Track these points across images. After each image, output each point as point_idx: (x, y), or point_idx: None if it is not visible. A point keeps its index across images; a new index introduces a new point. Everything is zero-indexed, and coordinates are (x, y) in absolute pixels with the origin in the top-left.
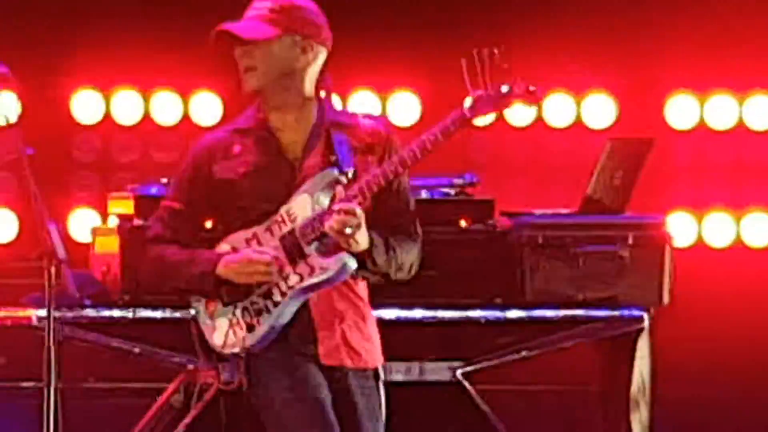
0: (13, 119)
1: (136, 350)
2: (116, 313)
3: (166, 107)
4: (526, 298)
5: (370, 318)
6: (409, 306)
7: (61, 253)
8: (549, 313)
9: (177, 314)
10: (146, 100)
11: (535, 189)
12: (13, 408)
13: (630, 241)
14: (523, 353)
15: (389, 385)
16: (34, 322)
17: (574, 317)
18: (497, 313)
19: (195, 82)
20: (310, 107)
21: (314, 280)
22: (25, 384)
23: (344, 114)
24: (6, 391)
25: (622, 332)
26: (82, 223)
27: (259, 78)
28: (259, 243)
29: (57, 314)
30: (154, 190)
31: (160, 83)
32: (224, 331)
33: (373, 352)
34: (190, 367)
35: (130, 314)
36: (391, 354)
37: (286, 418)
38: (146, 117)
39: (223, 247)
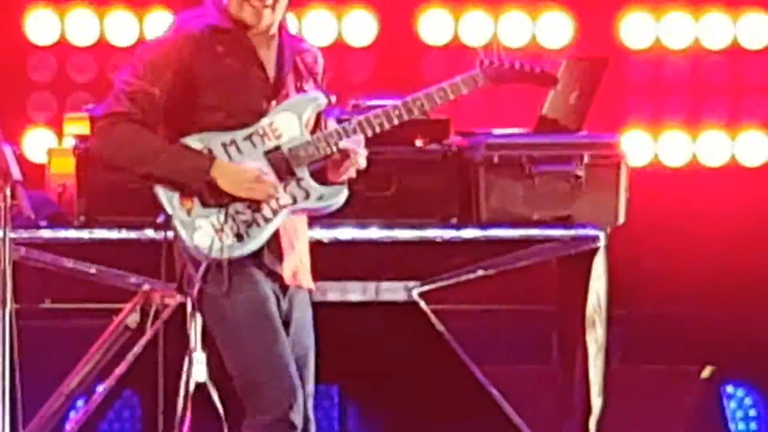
0: None
1: (92, 271)
2: (72, 233)
3: (122, 27)
4: (481, 218)
5: None
6: (365, 225)
7: (16, 173)
8: (504, 232)
9: (133, 235)
10: (101, 19)
11: (491, 108)
12: None
13: (586, 161)
14: (479, 273)
15: (346, 305)
16: None
17: (529, 237)
18: (453, 233)
19: (150, 0)
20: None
21: (309, 205)
22: None
23: (296, 36)
24: None
25: (578, 251)
26: (37, 143)
27: (275, 15)
28: (239, 150)
29: (12, 235)
30: None
31: (116, 1)
32: (208, 234)
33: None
34: (146, 287)
35: (86, 235)
36: (347, 273)
37: (248, 331)
38: (102, 38)
39: (195, 143)
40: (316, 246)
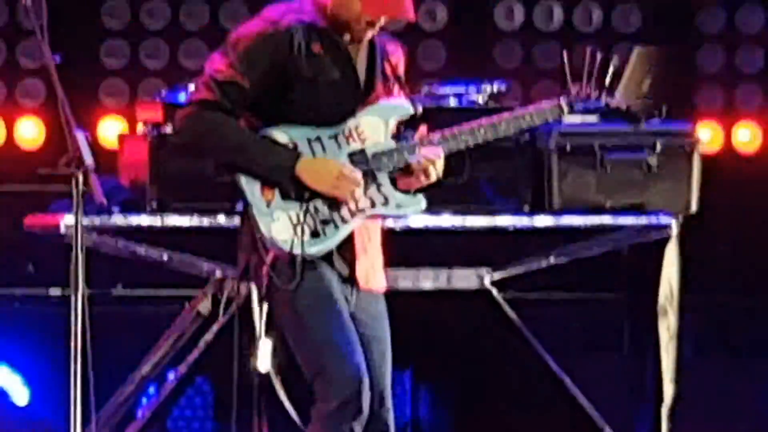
0: (43, 27)
1: (164, 257)
2: (144, 220)
3: (195, 14)
4: (554, 206)
5: None
6: (438, 213)
7: (89, 160)
8: (577, 220)
9: (205, 221)
10: (175, 6)
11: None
12: (41, 315)
13: (658, 149)
14: (551, 260)
15: (418, 293)
16: (62, 229)
17: (602, 224)
18: (525, 221)
19: None
20: None
21: (387, 212)
22: (53, 291)
23: (384, 36)
24: (34, 298)
25: (650, 239)
26: (110, 130)
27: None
28: (323, 148)
29: (85, 221)
30: (182, 97)
31: None
32: (286, 227)
33: (383, 275)
34: (219, 274)
35: (158, 221)
36: (419, 262)
37: (314, 319)
38: (175, 23)
39: (280, 135)
40: (388, 234)
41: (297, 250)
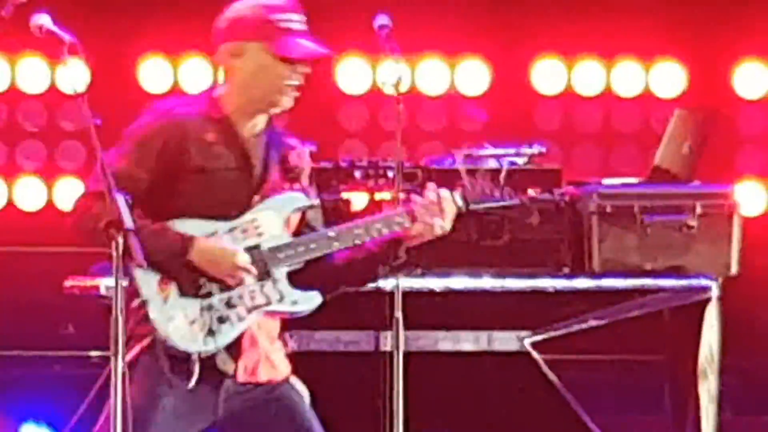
0: (82, 89)
1: None
2: None
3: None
4: (594, 268)
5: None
6: (478, 275)
7: (128, 222)
8: (617, 282)
9: None
10: (214, 67)
11: (604, 158)
12: (81, 377)
13: (698, 211)
14: (591, 322)
15: (458, 355)
16: (102, 291)
17: (642, 287)
18: (565, 283)
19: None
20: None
21: (282, 308)
22: (92, 353)
23: (282, 132)
24: (74, 360)
25: (691, 302)
26: None
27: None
28: None
29: (125, 283)
30: None
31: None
32: (182, 325)
33: (284, 360)
34: None
35: None
36: (459, 323)
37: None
38: (214, 84)
39: (178, 226)
40: (428, 295)
41: (189, 348)
